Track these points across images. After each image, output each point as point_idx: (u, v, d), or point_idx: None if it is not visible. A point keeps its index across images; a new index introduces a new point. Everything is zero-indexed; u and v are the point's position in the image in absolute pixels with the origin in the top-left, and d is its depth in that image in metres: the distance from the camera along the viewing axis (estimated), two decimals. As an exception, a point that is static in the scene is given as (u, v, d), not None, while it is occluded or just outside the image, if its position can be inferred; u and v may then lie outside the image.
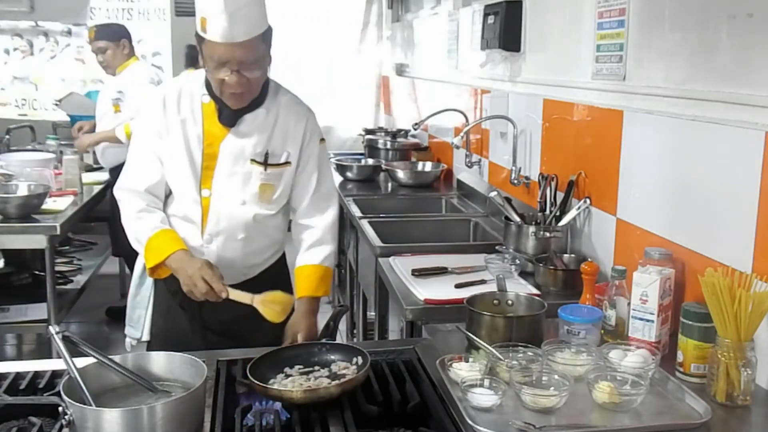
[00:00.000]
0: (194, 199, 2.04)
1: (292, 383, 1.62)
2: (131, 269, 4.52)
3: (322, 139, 2.15)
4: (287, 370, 1.69)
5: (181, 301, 2.08)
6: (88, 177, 4.15)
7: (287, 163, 2.07)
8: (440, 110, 3.87)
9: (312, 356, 1.75)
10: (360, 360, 1.70)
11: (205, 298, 1.90)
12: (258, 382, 1.56)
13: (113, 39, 4.30)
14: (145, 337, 2.23)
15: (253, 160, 2.02)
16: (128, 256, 4.50)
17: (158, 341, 2.16)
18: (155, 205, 2.06)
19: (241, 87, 1.90)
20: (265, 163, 2.03)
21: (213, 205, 2.04)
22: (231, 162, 2.02)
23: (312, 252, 2.12)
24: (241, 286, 1.97)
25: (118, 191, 2.09)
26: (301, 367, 1.71)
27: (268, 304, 1.89)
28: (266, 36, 1.91)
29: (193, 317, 2.13)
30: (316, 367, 1.71)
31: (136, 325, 2.25)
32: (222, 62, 1.86)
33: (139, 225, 2.03)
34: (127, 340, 2.28)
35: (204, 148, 2.02)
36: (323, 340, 1.85)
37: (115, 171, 3.39)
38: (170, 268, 1.98)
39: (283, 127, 2.06)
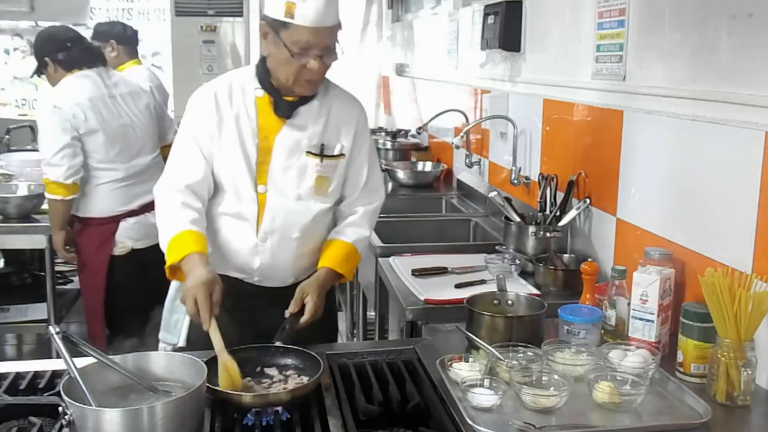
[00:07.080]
0: (251, 197, 1.99)
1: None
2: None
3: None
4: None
5: (229, 306, 1.96)
6: None
7: (341, 155, 2.04)
8: (442, 111, 3.85)
9: (267, 357, 1.75)
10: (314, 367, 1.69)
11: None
12: (209, 385, 1.54)
13: (101, 39, 4.10)
14: (182, 343, 2.12)
15: (309, 152, 2.00)
16: None
17: (197, 348, 1.92)
18: (194, 203, 1.97)
19: (320, 74, 1.91)
20: (321, 155, 2.00)
21: (269, 201, 2.00)
22: (286, 155, 1.99)
23: (346, 230, 2.07)
24: (290, 289, 1.94)
25: (157, 188, 2.01)
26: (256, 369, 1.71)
27: (227, 368, 1.67)
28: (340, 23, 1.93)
29: (244, 323, 2.01)
30: (266, 370, 1.72)
31: (173, 331, 2.15)
32: (308, 47, 1.85)
33: (169, 222, 1.93)
34: (161, 345, 2.17)
35: (259, 142, 1.98)
36: (277, 344, 1.79)
37: None
38: (183, 269, 1.85)
39: (337, 118, 2.04)
